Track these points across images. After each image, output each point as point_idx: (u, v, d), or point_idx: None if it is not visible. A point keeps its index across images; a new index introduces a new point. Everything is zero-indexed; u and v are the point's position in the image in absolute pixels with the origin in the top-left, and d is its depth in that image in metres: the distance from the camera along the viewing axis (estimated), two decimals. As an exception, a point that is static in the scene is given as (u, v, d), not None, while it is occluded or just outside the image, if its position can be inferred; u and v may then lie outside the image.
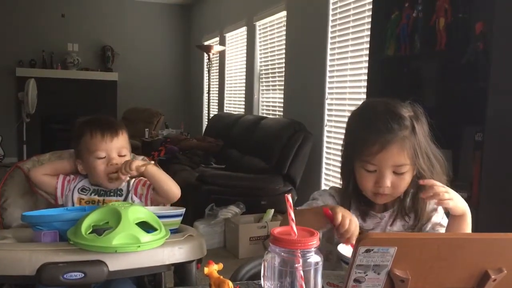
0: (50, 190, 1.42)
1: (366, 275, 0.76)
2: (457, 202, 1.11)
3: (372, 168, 1.14)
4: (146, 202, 1.42)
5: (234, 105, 6.19)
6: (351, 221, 1.03)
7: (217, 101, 6.79)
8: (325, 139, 3.89)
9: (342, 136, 1.31)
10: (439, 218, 1.24)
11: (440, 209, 1.24)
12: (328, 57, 3.81)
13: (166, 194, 1.41)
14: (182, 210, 1.25)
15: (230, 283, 0.86)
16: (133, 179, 1.45)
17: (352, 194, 1.22)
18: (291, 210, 0.83)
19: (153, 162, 1.41)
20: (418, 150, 1.14)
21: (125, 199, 1.41)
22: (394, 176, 1.14)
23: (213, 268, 0.91)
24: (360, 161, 1.15)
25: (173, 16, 8.11)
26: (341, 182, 1.27)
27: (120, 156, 1.40)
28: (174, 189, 1.42)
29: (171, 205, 1.48)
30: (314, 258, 0.78)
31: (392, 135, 1.11)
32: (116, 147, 1.39)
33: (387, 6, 2.70)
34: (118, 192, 1.41)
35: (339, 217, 1.02)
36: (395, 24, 2.61)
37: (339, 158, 1.34)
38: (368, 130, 1.13)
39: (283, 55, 4.64)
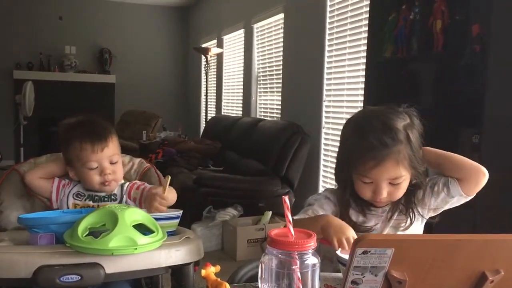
0: (45, 194, 1.41)
1: (364, 276, 0.76)
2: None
3: (369, 181, 1.17)
4: (140, 205, 1.41)
5: (232, 107, 6.19)
6: (348, 240, 1.04)
7: (214, 103, 6.79)
8: (322, 141, 3.90)
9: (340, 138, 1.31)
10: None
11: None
12: (326, 59, 3.82)
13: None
14: (179, 212, 1.24)
15: (228, 285, 0.86)
16: (127, 183, 1.44)
17: (351, 197, 1.24)
18: (288, 212, 0.83)
19: (169, 176, 1.33)
20: (413, 158, 1.15)
21: (120, 203, 1.40)
22: (391, 186, 1.17)
23: (211, 270, 0.90)
24: (356, 173, 1.17)
25: (170, 19, 8.12)
26: (337, 186, 1.28)
27: (112, 163, 1.39)
28: (175, 198, 1.39)
29: (169, 207, 1.48)
30: (312, 260, 0.78)
31: (386, 151, 1.12)
32: (108, 156, 1.37)
33: (385, 8, 2.70)
34: (112, 197, 1.41)
35: (336, 244, 1.03)
36: (393, 26, 2.62)
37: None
38: (362, 146, 1.14)
39: (281, 57, 4.65)
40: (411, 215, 1.24)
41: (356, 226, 1.20)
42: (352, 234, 1.06)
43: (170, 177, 1.30)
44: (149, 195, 1.31)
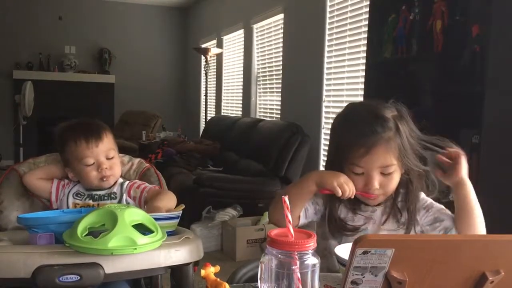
0: (44, 195, 1.42)
1: (363, 277, 0.76)
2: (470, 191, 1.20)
3: (360, 171, 1.16)
4: (140, 204, 1.41)
5: (232, 107, 6.19)
6: (346, 182, 1.12)
7: (214, 103, 6.79)
8: (322, 141, 3.90)
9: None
10: (439, 206, 1.25)
11: (436, 203, 1.25)
12: (325, 60, 3.82)
13: None
14: (179, 212, 1.24)
15: (227, 286, 0.86)
16: (127, 182, 1.45)
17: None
18: (288, 212, 0.83)
19: (183, 205, 1.32)
20: (403, 150, 1.16)
21: (119, 202, 1.40)
22: (382, 176, 1.16)
23: (210, 271, 0.90)
24: (348, 164, 1.17)
25: (170, 19, 8.11)
26: None
27: (108, 159, 1.39)
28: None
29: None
30: (311, 260, 0.78)
31: (376, 138, 1.13)
32: (103, 150, 1.38)
33: (384, 9, 2.71)
34: (112, 196, 1.41)
35: (339, 190, 1.12)
36: (392, 27, 2.62)
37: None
38: (353, 134, 1.15)
39: (281, 58, 4.65)
40: (409, 225, 1.22)
41: (342, 224, 1.21)
42: (346, 177, 1.14)
43: (184, 206, 1.30)
44: (152, 207, 1.29)
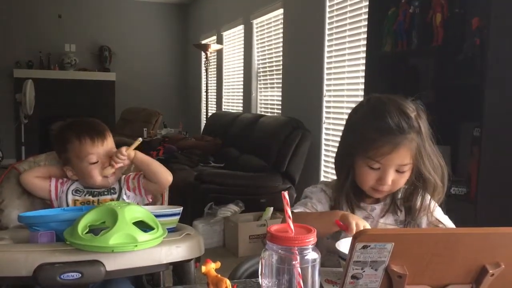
0: (43, 194, 1.42)
1: (364, 271, 0.76)
2: None
3: (377, 166, 1.14)
4: (140, 193, 1.43)
5: (232, 103, 6.18)
6: (365, 227, 1.03)
7: (215, 99, 6.79)
8: (323, 136, 3.89)
9: (341, 133, 1.28)
10: (439, 214, 1.23)
11: (439, 208, 1.23)
12: (326, 54, 3.81)
13: (158, 178, 1.42)
14: (179, 209, 1.25)
15: (228, 281, 0.86)
16: (123, 176, 1.46)
17: (349, 188, 1.21)
18: (287, 207, 0.82)
19: (140, 139, 1.43)
20: (423, 151, 1.14)
21: (119, 196, 1.41)
22: (396, 173, 1.15)
23: (211, 267, 0.90)
24: (365, 158, 1.14)
25: (170, 15, 8.10)
26: (337, 176, 1.26)
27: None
28: (164, 173, 1.43)
29: (169, 204, 1.48)
30: (312, 255, 0.78)
31: (402, 137, 1.11)
32: (106, 150, 1.40)
33: (384, 2, 2.69)
34: (112, 191, 1.42)
35: (354, 227, 1.03)
36: (392, 20, 2.61)
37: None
38: (378, 130, 1.12)
39: (281, 53, 4.64)
40: (407, 226, 1.21)
41: None
42: (368, 226, 1.06)
43: (141, 139, 1.42)
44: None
